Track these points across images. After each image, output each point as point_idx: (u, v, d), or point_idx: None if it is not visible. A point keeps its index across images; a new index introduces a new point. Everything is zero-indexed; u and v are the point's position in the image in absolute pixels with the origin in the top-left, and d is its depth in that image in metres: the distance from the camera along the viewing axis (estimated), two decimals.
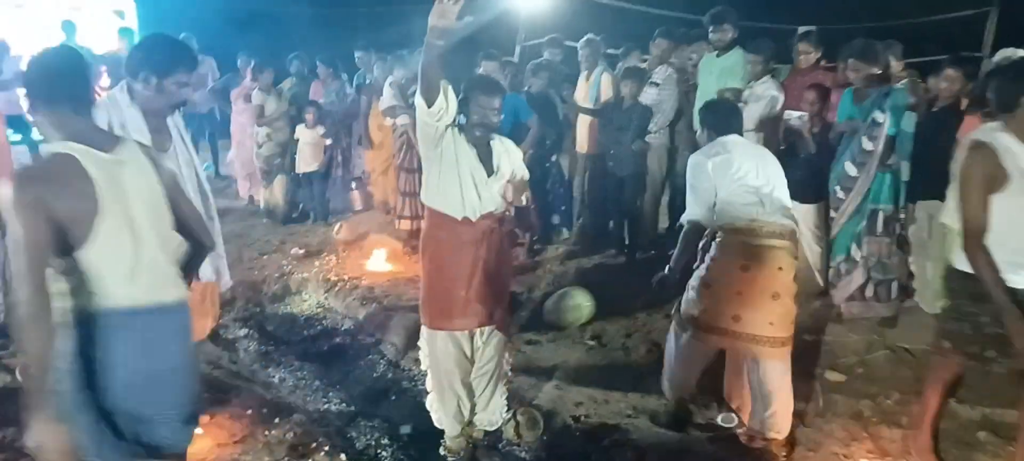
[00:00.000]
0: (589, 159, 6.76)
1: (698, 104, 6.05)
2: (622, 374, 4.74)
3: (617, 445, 3.99)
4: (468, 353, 3.84)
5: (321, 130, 7.87)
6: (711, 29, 6.11)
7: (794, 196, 5.23)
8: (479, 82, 3.68)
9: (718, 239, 3.75)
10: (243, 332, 5.73)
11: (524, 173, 3.91)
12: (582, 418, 4.26)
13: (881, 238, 4.91)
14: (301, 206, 8.35)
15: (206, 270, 3.13)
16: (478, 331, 3.82)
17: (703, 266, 3.79)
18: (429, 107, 3.36)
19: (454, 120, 3.56)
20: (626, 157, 6.22)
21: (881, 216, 4.90)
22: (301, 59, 8.77)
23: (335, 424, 4.33)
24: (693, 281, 3.84)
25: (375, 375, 5.00)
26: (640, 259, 6.51)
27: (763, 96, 5.66)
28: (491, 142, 3.69)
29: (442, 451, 3.96)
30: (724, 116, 3.94)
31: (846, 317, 5.13)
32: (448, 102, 3.39)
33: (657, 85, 6.37)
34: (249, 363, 5.16)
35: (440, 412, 3.91)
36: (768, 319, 3.60)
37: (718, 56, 6.10)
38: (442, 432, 3.96)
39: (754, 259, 3.62)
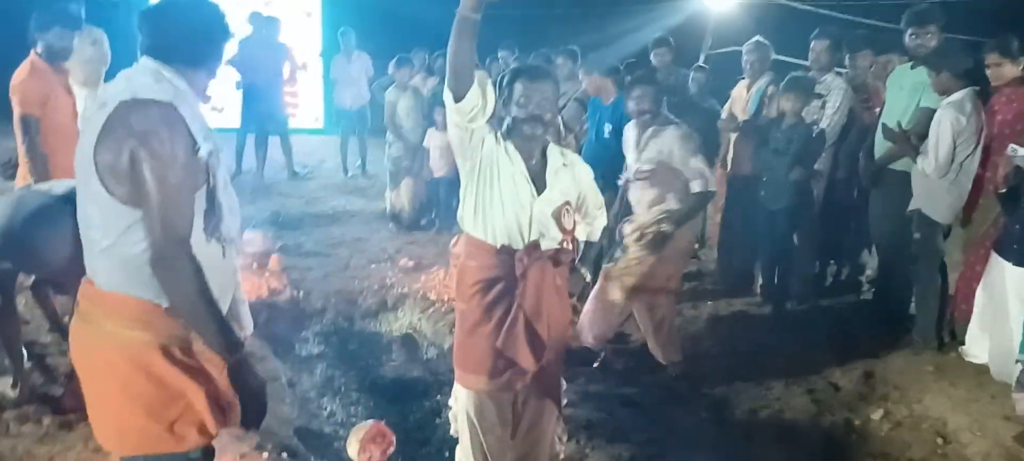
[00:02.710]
0: (740, 182, 5.65)
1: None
2: None
3: None
4: (507, 421, 2.98)
5: None
6: (910, 32, 4.73)
7: (1007, 255, 3.94)
8: (522, 69, 2.86)
9: None
10: (318, 350, 5.18)
11: (596, 197, 3.08)
12: None
13: None
14: (433, 213, 7.79)
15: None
16: (519, 395, 2.97)
17: None
18: (456, 102, 2.59)
19: (501, 125, 2.83)
20: (781, 186, 5.04)
21: None
22: (445, 57, 8.21)
23: None
24: None
25: (438, 421, 4.23)
26: (789, 312, 5.30)
27: (944, 119, 4.24)
28: (547, 151, 2.88)
29: None
30: None
31: None
32: (485, 98, 2.62)
33: (823, 97, 5.15)
34: (306, 389, 4.58)
35: None
36: None
37: (912, 66, 4.76)
38: None
39: None
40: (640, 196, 4.29)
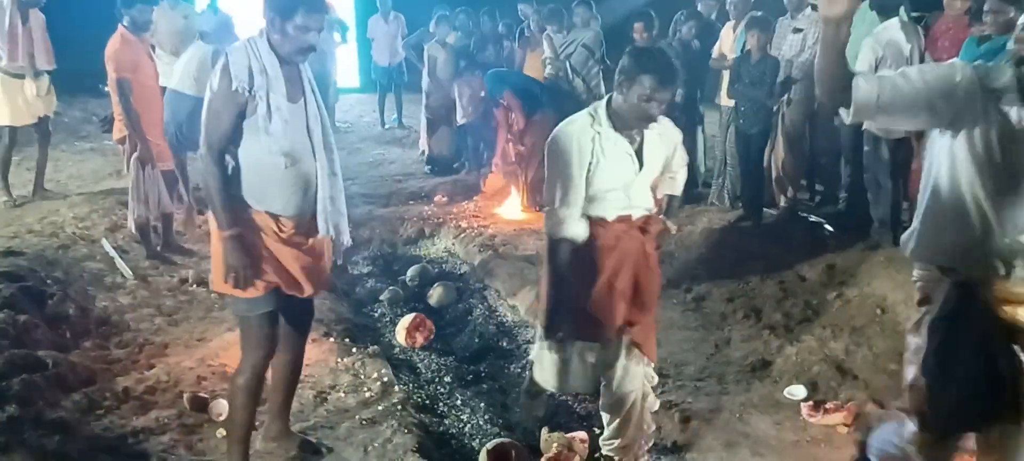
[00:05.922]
0: (729, 112, 6.36)
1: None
2: (711, 336, 4.56)
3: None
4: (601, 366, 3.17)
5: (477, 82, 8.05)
6: None
7: None
8: (652, 66, 2.77)
9: None
10: (367, 269, 6.10)
11: (682, 155, 3.18)
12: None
13: None
14: (462, 158, 8.64)
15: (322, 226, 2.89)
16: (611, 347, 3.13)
17: None
18: None
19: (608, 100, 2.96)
20: (754, 114, 5.79)
21: None
22: (467, 13, 9.00)
23: (403, 360, 4.56)
24: None
25: (469, 319, 5.13)
26: (769, 222, 6.09)
27: (863, 48, 4.89)
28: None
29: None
30: None
31: None
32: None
33: (801, 31, 5.83)
34: (360, 298, 5.51)
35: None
36: None
37: (870, 4, 5.40)
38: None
39: None
40: None
